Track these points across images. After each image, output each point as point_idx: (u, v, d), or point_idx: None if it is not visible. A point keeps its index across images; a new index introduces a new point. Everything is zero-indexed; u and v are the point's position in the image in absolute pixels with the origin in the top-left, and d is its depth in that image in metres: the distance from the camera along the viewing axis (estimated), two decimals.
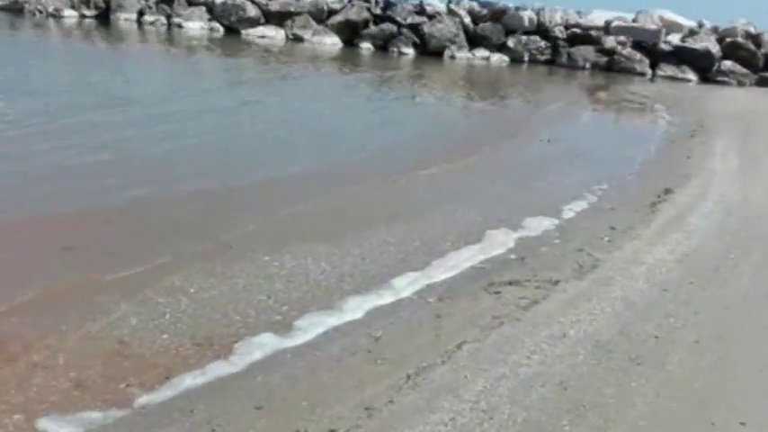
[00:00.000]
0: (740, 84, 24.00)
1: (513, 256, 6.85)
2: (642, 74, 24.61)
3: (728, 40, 24.95)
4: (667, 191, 9.56)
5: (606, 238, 7.45)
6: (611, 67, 24.99)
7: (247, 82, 17.41)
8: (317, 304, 5.45)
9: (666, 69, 24.52)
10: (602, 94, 20.78)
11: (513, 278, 6.23)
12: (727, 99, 20.43)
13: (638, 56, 24.81)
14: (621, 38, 25.65)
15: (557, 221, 8.05)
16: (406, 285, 5.98)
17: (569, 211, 8.47)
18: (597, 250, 7.07)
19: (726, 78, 24.14)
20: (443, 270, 6.37)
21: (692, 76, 24.38)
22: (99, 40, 22.65)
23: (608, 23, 26.18)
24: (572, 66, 25.11)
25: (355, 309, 5.42)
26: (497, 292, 5.90)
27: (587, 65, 25.12)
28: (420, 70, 22.13)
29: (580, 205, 8.77)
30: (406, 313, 5.42)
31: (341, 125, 12.95)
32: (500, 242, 7.22)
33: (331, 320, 5.23)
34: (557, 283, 6.17)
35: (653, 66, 24.83)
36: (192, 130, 11.12)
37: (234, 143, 10.88)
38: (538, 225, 7.87)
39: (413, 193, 8.92)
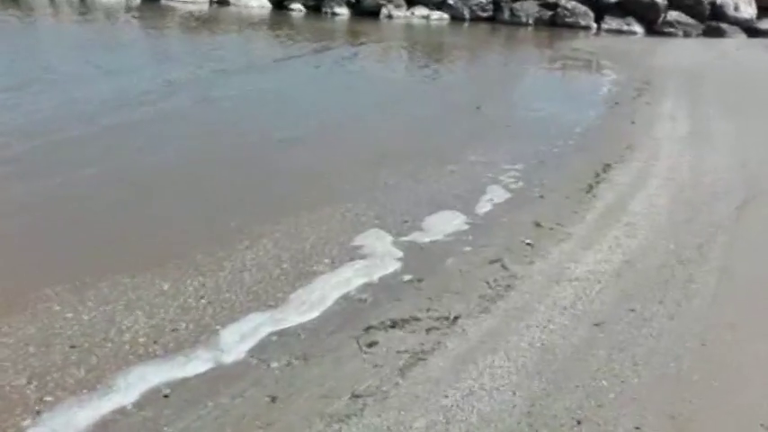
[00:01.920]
0: (687, 35, 22.36)
1: (406, 277, 5.09)
2: (587, 28, 22.77)
3: None
4: (607, 167, 7.86)
5: (528, 241, 5.74)
6: (556, 21, 23.06)
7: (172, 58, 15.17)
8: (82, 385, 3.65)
9: (611, 23, 22.71)
10: (543, 52, 18.95)
11: (400, 315, 4.48)
12: (675, 52, 18.76)
13: (583, 9, 22.90)
14: None
15: (471, 218, 6.30)
16: (239, 339, 4.20)
17: (488, 203, 6.73)
18: (516, 260, 5.36)
19: (672, 30, 22.45)
20: (304, 308, 4.59)
21: (638, 28, 22.63)
22: (7, 14, 19.87)
23: None
24: (515, 22, 23.12)
25: (131, 388, 3.63)
26: (372, 345, 4.15)
27: (530, 20, 23.15)
28: (349, 36, 19.97)
29: (502, 193, 7.02)
30: (226, 396, 3.65)
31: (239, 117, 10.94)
32: (394, 255, 5.46)
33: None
34: (456, 319, 4.44)
35: (597, 19, 23.02)
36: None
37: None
38: (446, 225, 6.12)
39: (290, 182, 7.07)
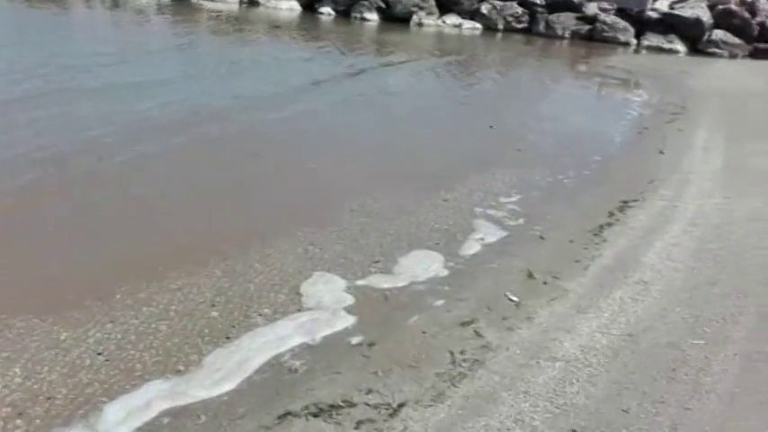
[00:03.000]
0: (732, 55, 20.83)
1: (355, 339, 4.14)
2: (626, 44, 21.43)
3: (721, 7, 21.67)
4: (624, 206, 6.78)
5: (513, 298, 4.74)
6: (593, 36, 21.79)
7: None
8: None
9: (652, 39, 21.31)
10: (576, 68, 17.76)
11: (331, 397, 3.52)
12: (717, 74, 17.35)
13: (622, 24, 21.57)
14: (604, 4, 22.38)
15: (453, 261, 5.31)
16: (122, 419, 3.30)
17: (477, 242, 5.72)
18: (493, 324, 4.36)
19: (717, 49, 20.94)
20: (218, 376, 3.68)
21: (680, 46, 21.19)
22: (44, 9, 19.48)
23: None
24: (550, 35, 21.94)
25: None
26: None
27: (567, 34, 21.93)
28: (375, 44, 19.04)
29: (496, 230, 6.01)
30: None
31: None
32: (350, 306, 4.52)
33: None
34: (399, 408, 3.46)
35: (638, 35, 21.64)
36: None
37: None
38: (422, 268, 5.14)
39: (256, 205, 6.18)
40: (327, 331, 4.18)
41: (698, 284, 5.02)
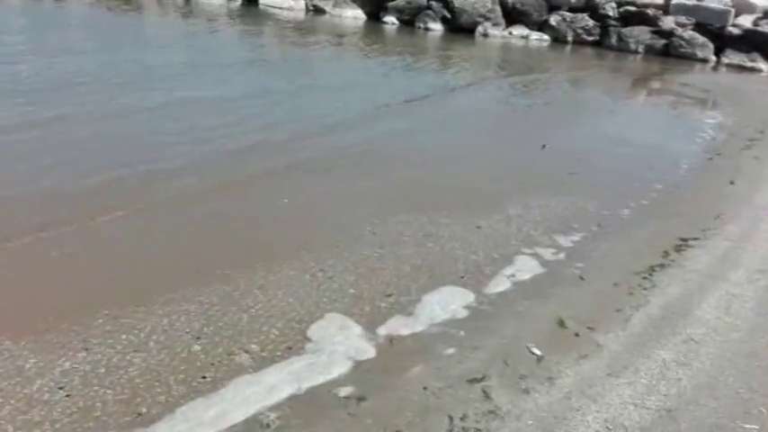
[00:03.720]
0: None
1: (344, 391, 3.62)
2: (704, 60, 20.00)
3: None
4: (682, 245, 5.97)
5: (536, 351, 4.09)
6: (669, 51, 20.44)
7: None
8: None
9: (733, 57, 19.78)
10: (648, 85, 16.62)
11: None
12: None
13: (701, 40, 20.12)
14: (682, 18, 20.97)
15: (476, 301, 4.70)
16: None
17: (507, 279, 5.08)
18: (506, 384, 3.73)
19: None
20: (181, 424, 3.25)
21: (763, 65, 19.56)
22: (120, 14, 19.97)
23: (668, 1, 21.54)
24: (622, 49, 20.73)
25: None
26: None
27: (640, 48, 20.67)
28: (433, 57, 18.44)
29: (532, 266, 5.34)
30: None
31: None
32: (348, 351, 3.98)
33: None
34: None
35: (717, 52, 20.17)
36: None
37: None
38: (440, 308, 4.56)
39: (271, 222, 5.73)
40: (317, 380, 3.67)
41: (759, 349, 4.23)
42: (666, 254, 5.76)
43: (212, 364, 3.72)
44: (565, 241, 5.90)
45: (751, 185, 8.00)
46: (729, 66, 19.78)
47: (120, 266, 4.76)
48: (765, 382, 3.84)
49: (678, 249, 5.87)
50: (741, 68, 19.52)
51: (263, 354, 3.85)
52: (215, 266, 4.77)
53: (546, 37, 21.40)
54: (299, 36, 18.80)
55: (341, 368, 3.80)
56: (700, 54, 20.21)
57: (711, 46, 20.24)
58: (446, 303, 4.62)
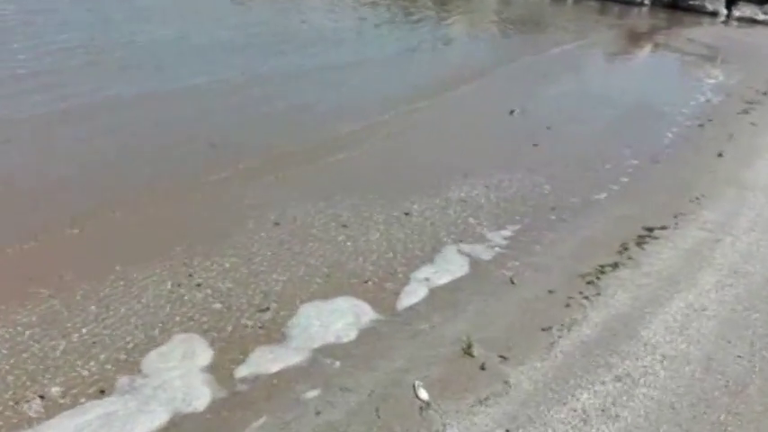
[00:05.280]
0: None
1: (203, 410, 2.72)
2: (714, 14, 18.32)
3: None
4: (646, 236, 4.89)
5: (424, 394, 3.12)
6: (677, 4, 18.80)
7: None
8: None
9: (745, 10, 18.07)
10: (649, 40, 15.10)
11: None
12: None
13: None
14: None
15: (371, 316, 3.72)
16: None
17: (419, 285, 4.06)
18: None
19: None
20: None
21: None
22: None
23: None
24: (627, 1, 19.11)
25: None
26: None
27: (646, 0, 19.05)
28: (424, 14, 16.90)
29: (454, 266, 4.32)
30: None
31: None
32: (169, 395, 3.07)
33: None
34: None
35: (729, 4, 18.45)
36: None
37: None
38: (322, 329, 3.56)
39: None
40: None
41: (711, 394, 3.21)
42: (624, 248, 4.69)
43: None
44: (506, 232, 4.85)
45: (741, 159, 6.81)
46: (741, 19, 18.08)
47: None
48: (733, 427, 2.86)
49: (640, 242, 4.80)
50: (753, 22, 17.82)
51: (63, 400, 2.93)
52: (53, 272, 3.83)
53: None
54: None
55: (151, 424, 2.87)
56: (710, 7, 18.52)
57: None
58: (332, 321, 3.65)
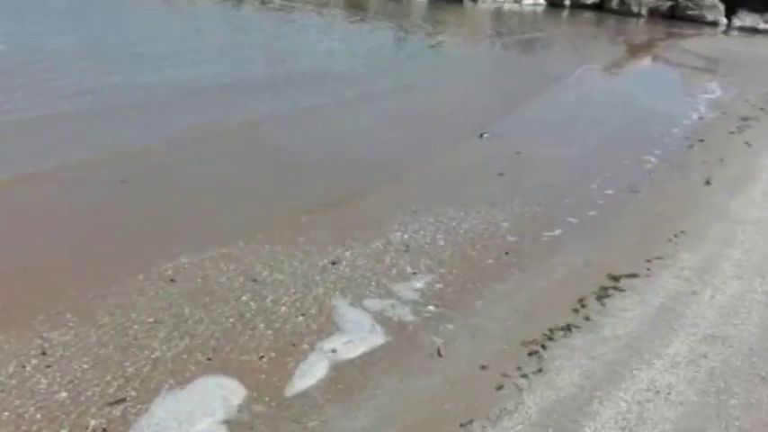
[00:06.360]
0: None
1: None
2: (714, 24, 17.48)
3: None
4: (609, 287, 4.09)
5: None
6: (675, 14, 17.98)
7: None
8: None
9: (746, 19, 17.20)
10: (644, 52, 14.27)
11: None
12: None
13: (711, 0, 17.58)
14: None
15: (244, 409, 2.96)
16: None
17: (322, 358, 3.26)
18: None
19: None
20: None
21: None
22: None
23: None
24: (624, 12, 18.33)
25: None
26: None
27: (643, 11, 18.24)
28: (406, 24, 16.23)
29: (371, 333, 3.53)
30: None
31: None
32: None
33: None
34: None
35: (729, 13, 17.58)
36: None
37: None
38: (198, 421, 2.86)
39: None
40: None
41: None
42: (582, 305, 3.88)
43: None
44: (443, 285, 4.08)
45: (731, 186, 5.98)
46: (742, 29, 17.23)
47: None
48: None
49: (601, 296, 3.99)
50: (754, 31, 16.95)
51: None
52: None
53: (541, 1, 19.06)
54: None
55: None
56: (709, 16, 17.68)
57: (722, 7, 17.68)
58: (196, 419, 2.89)
